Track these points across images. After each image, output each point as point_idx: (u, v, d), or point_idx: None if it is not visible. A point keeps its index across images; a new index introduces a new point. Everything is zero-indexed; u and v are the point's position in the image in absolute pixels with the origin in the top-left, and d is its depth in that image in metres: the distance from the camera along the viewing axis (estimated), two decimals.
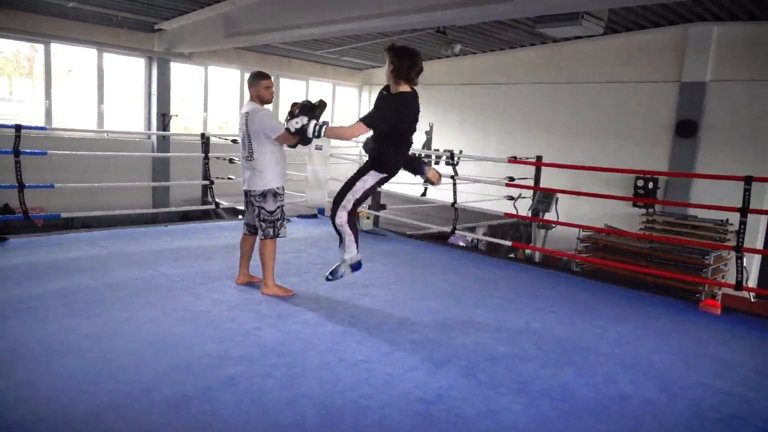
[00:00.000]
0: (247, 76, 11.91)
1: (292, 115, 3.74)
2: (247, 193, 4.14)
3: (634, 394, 2.91)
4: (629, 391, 2.94)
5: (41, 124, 9.53)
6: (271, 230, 4.06)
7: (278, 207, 4.07)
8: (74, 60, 10.21)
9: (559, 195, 8.46)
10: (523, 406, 2.70)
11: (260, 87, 4.01)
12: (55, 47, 9.80)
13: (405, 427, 2.46)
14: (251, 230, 4.26)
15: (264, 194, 4.03)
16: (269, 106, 4.13)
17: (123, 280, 4.23)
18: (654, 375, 3.17)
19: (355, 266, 3.89)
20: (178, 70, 11.33)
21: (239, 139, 4.10)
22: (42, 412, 2.38)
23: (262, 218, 4.05)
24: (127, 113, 11.11)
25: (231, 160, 9.01)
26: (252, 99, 4.06)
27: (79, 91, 10.34)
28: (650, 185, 9.80)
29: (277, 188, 4.06)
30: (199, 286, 4.21)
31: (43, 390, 2.56)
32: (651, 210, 8.97)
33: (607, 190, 8.45)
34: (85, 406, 2.45)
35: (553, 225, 7.89)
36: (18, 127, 5.27)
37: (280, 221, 4.09)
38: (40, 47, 9.68)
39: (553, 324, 3.94)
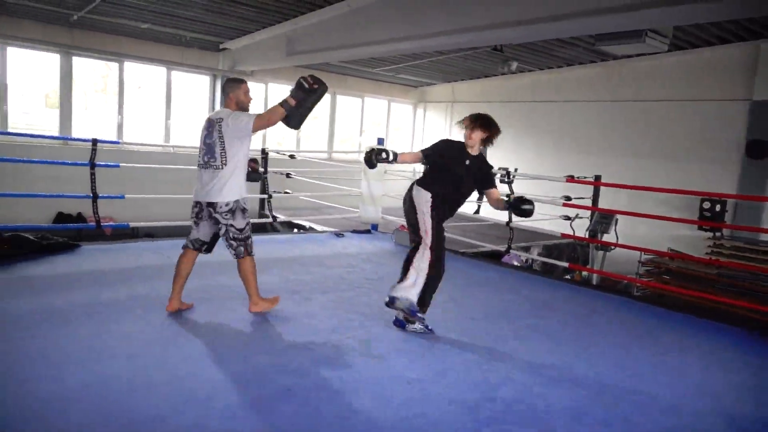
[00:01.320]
0: None
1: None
2: (204, 206, 3.76)
3: (695, 426, 2.77)
4: (690, 423, 2.80)
5: (113, 137, 10.09)
6: (242, 248, 3.80)
7: (247, 223, 3.80)
8: (143, 77, 10.76)
9: (618, 216, 8.20)
10: None
11: (240, 91, 3.80)
12: (128, 65, 10.38)
13: None
14: (196, 245, 3.88)
15: (232, 210, 3.73)
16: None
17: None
18: (720, 412, 3.01)
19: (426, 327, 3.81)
20: None
21: (202, 146, 3.79)
22: (110, 413, 2.50)
23: (232, 237, 3.75)
24: (191, 128, 11.59)
25: (288, 175, 9.24)
26: (228, 105, 3.81)
27: (148, 106, 10.88)
28: (717, 208, 9.35)
29: (244, 201, 3.79)
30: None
31: (109, 392, 2.69)
32: (718, 234, 8.55)
33: (668, 213, 8.13)
34: (145, 411, 2.55)
35: (612, 247, 7.65)
36: (94, 141, 5.61)
37: (251, 238, 3.85)
38: (115, 65, 10.28)
39: (610, 349, 3.81)
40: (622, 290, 6.86)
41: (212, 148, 3.73)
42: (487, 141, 3.98)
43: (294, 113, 3.76)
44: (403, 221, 7.45)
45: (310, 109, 3.84)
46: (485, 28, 6.31)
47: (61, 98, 9.79)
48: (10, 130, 9.04)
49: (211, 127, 3.75)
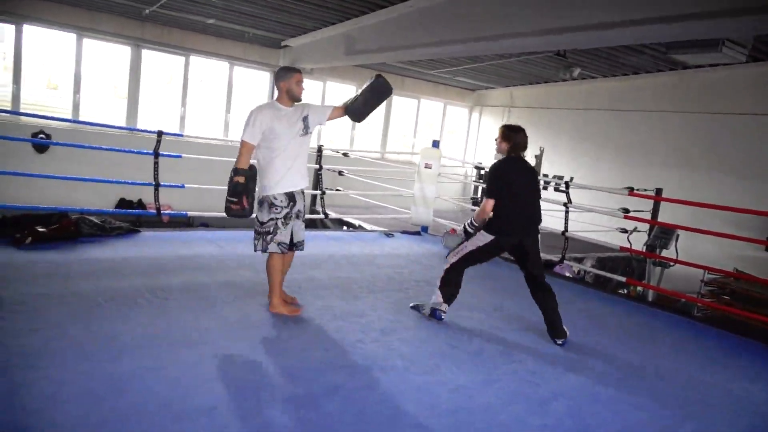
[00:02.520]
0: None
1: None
2: None
3: None
4: None
5: (175, 128, 10.44)
6: (257, 242, 3.71)
7: (271, 219, 3.68)
8: (206, 71, 11.08)
9: (680, 232, 7.85)
10: None
11: (292, 81, 3.66)
12: (193, 59, 10.72)
13: None
14: (286, 246, 3.82)
15: (260, 202, 3.71)
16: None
17: (237, 281, 4.47)
18: None
19: (434, 313, 3.97)
20: None
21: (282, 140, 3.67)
22: (161, 399, 2.56)
23: (255, 228, 3.73)
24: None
25: (340, 173, 9.31)
26: (279, 98, 3.71)
27: (209, 100, 11.20)
28: None
29: (274, 197, 3.68)
30: (306, 293, 4.35)
31: (162, 379, 2.76)
32: None
33: (734, 232, 7.72)
34: (200, 398, 2.60)
35: (672, 263, 7.32)
36: (160, 133, 5.81)
37: (271, 235, 3.69)
38: (181, 59, 10.63)
39: (669, 371, 3.64)
40: (681, 309, 6.56)
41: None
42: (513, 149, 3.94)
43: (355, 108, 3.85)
44: (453, 225, 7.40)
45: (365, 102, 3.88)
46: (550, 33, 6.14)
47: (129, 89, 10.20)
48: (81, 118, 9.50)
49: (291, 120, 3.74)
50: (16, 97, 9.18)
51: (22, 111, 8.98)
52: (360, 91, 3.96)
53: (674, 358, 3.99)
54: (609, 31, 5.58)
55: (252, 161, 3.72)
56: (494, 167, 3.92)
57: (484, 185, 3.92)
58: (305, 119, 3.75)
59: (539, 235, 4.08)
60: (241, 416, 2.49)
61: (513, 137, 3.90)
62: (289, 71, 3.70)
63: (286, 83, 3.66)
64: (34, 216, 5.14)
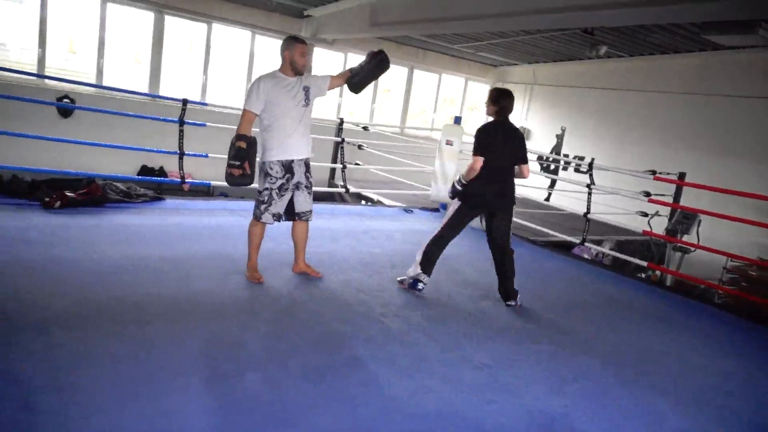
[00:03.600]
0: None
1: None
2: None
3: None
4: None
5: (196, 96, 10.44)
6: (255, 210, 3.83)
7: (266, 188, 3.75)
8: (228, 39, 11.01)
9: (702, 217, 7.76)
10: None
11: (296, 51, 3.65)
12: (215, 27, 10.65)
13: None
14: (282, 217, 3.89)
15: (259, 170, 3.81)
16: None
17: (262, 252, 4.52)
18: None
19: (414, 284, 4.09)
20: (319, 55, 11.84)
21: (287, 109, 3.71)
22: (186, 364, 2.63)
23: (255, 197, 3.86)
24: None
25: (360, 146, 9.28)
26: (282, 67, 3.71)
27: (230, 68, 11.15)
28: None
29: (269, 165, 3.73)
30: (327, 266, 4.39)
31: (188, 347, 2.83)
32: None
33: (759, 219, 7.61)
34: (227, 365, 2.67)
35: (693, 249, 7.26)
36: (185, 101, 5.83)
37: (265, 205, 3.76)
38: (203, 26, 10.57)
39: (687, 357, 3.65)
40: (700, 295, 6.53)
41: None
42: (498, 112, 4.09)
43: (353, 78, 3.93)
44: None
45: (367, 77, 3.97)
46: (581, 9, 6.00)
47: (152, 56, 10.18)
48: (105, 83, 9.52)
49: (295, 89, 3.78)
50: (41, 60, 9.22)
51: (47, 75, 9.03)
52: (362, 64, 3.99)
53: (693, 344, 3.99)
54: (643, 9, 5.44)
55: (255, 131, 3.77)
56: (481, 129, 4.08)
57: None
58: (306, 90, 3.78)
59: (513, 206, 4.19)
60: (268, 383, 2.55)
61: (501, 101, 4.05)
62: (294, 41, 3.71)
63: (290, 53, 3.67)
64: (63, 180, 5.22)
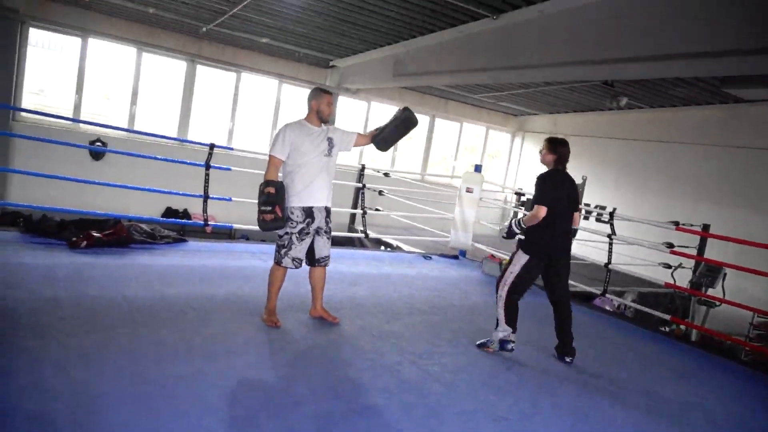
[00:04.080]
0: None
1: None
2: None
3: None
4: None
5: (223, 141, 10.74)
6: (276, 254, 3.88)
7: (286, 233, 3.80)
8: (256, 87, 11.40)
9: (727, 270, 7.59)
10: None
11: (323, 102, 3.82)
12: (244, 76, 11.05)
13: None
14: (302, 261, 3.92)
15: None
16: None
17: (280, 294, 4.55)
18: None
19: (503, 344, 3.96)
20: (343, 103, 12.15)
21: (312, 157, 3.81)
22: (204, 405, 2.63)
23: (275, 241, 3.91)
24: None
25: (381, 192, 9.41)
26: (308, 116, 3.85)
27: (257, 115, 11.49)
28: None
29: (290, 210, 3.78)
30: (346, 311, 4.40)
31: (208, 386, 2.83)
32: None
33: None
34: (237, 408, 2.66)
35: (718, 303, 7.08)
36: (212, 146, 6.02)
37: (285, 249, 3.82)
38: (232, 75, 10.98)
39: (718, 414, 3.52)
40: (726, 351, 6.32)
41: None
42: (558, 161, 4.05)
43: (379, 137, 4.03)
44: (492, 251, 7.36)
45: (393, 136, 4.07)
46: (599, 63, 6.12)
47: (183, 102, 10.57)
48: (136, 128, 9.89)
49: (320, 138, 3.88)
50: (77, 106, 9.64)
51: (82, 119, 9.42)
52: (388, 122, 4.09)
53: (722, 401, 3.86)
54: (664, 63, 5.52)
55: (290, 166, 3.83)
56: (544, 177, 3.99)
57: (531, 196, 4.05)
58: (330, 141, 3.89)
59: (569, 258, 4.12)
60: (281, 428, 2.53)
61: (559, 149, 4.01)
62: (322, 92, 3.87)
63: (317, 102, 3.82)
64: (90, 221, 5.37)
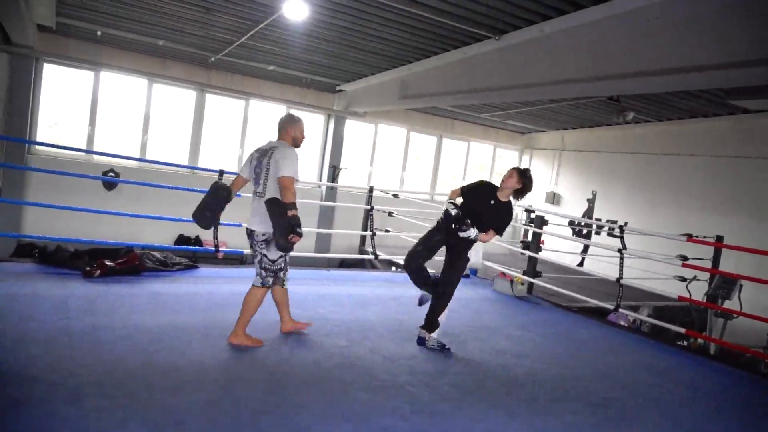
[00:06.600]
0: (413, 134, 12.50)
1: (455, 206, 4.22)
2: (250, 234, 3.89)
3: None
4: None
5: (233, 168, 10.86)
6: (270, 279, 3.83)
7: (281, 256, 3.83)
8: (263, 113, 11.56)
9: (743, 282, 7.48)
10: None
11: (298, 128, 3.88)
12: (252, 103, 11.24)
13: None
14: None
15: (267, 241, 3.79)
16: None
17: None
18: None
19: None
20: (351, 126, 12.28)
21: (253, 174, 3.86)
22: (218, 429, 2.64)
23: (263, 266, 3.83)
24: (303, 165, 12.19)
25: (390, 213, 9.43)
26: (282, 138, 3.87)
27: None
28: None
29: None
30: (356, 333, 4.40)
31: (221, 413, 2.85)
32: None
33: None
34: (251, 430, 2.67)
35: (735, 315, 6.97)
36: (221, 172, 6.10)
37: (283, 271, 3.88)
38: (241, 102, 11.17)
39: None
40: (745, 364, 6.21)
41: (259, 176, 3.80)
42: (518, 192, 4.49)
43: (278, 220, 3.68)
44: (503, 269, 7.33)
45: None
46: (604, 78, 6.15)
47: (193, 131, 10.75)
48: (148, 157, 10.06)
49: (263, 156, 3.80)
50: (90, 137, 9.84)
51: (95, 150, 9.60)
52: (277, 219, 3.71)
53: (743, 417, 3.79)
54: (668, 77, 5.53)
55: (272, 191, 3.72)
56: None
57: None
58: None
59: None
60: None
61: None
62: (298, 120, 3.94)
63: (295, 129, 3.90)
64: (103, 250, 5.45)
